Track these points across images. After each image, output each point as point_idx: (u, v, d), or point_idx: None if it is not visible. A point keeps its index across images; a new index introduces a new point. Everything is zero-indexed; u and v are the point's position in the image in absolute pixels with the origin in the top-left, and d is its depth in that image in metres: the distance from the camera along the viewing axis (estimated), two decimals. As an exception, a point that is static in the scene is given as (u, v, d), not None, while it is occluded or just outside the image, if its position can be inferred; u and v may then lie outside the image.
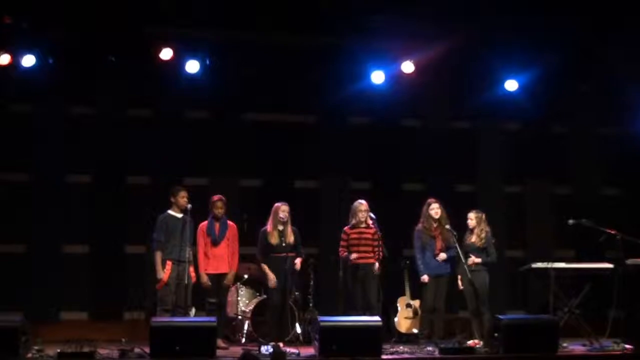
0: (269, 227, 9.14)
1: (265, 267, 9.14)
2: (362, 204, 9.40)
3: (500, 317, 8.60)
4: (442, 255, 9.48)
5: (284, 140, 11.45)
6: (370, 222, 9.37)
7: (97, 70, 10.65)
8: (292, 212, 9.27)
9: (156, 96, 11.12)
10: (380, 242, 9.35)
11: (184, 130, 11.19)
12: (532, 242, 11.92)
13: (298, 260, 9.17)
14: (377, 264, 9.30)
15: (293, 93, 11.24)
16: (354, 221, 9.39)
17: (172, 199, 9.08)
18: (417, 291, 9.86)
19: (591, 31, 10.47)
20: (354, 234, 9.38)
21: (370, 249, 9.31)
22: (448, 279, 9.53)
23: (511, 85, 11.32)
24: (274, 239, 9.07)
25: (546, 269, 9.59)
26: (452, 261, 9.52)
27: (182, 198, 9.03)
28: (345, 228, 9.44)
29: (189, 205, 8.97)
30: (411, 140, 11.77)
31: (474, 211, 9.64)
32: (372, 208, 9.53)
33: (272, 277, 9.08)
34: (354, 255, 9.23)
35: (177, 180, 10.34)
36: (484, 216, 9.57)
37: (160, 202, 9.39)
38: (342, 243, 9.42)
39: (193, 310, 9.14)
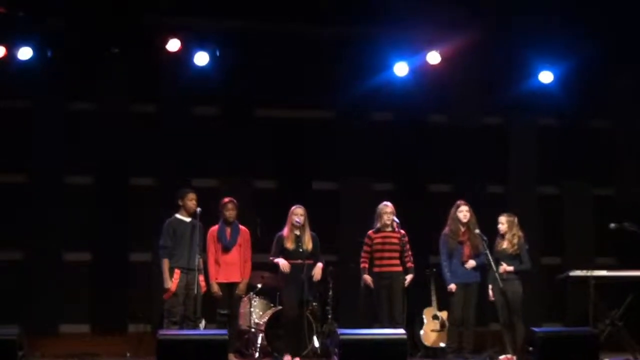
0: (285, 231, 9.16)
1: (278, 259, 9.03)
2: (387, 205, 9.39)
3: (535, 329, 8.58)
4: (471, 263, 9.44)
5: (300, 138, 11.53)
6: (396, 225, 9.36)
7: (99, 63, 10.71)
8: (309, 216, 9.26)
9: (162, 91, 11.18)
10: (408, 248, 9.36)
11: (192, 127, 11.25)
12: (570, 248, 11.91)
13: (318, 268, 9.12)
14: (409, 276, 9.27)
15: (309, 87, 11.25)
16: (378, 224, 9.38)
17: (180, 202, 9.05)
18: (445, 301, 9.84)
19: (633, 16, 10.42)
20: (378, 238, 9.36)
21: (396, 255, 9.28)
22: (477, 288, 9.50)
23: (546, 76, 11.28)
24: (289, 244, 9.09)
25: (585, 277, 9.58)
26: (482, 269, 9.49)
27: (191, 201, 9.00)
28: (370, 232, 9.43)
29: (198, 209, 8.95)
30: (437, 138, 11.79)
31: (505, 214, 9.56)
32: (395, 211, 9.50)
33: (284, 264, 9.01)
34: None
35: (185, 181, 10.38)
36: (516, 220, 9.50)
37: (167, 205, 9.39)
38: (365, 248, 9.42)
39: (203, 322, 9.16)
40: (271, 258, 9.20)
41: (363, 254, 9.43)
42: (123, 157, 11.09)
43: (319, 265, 9.18)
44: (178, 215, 9.06)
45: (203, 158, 11.27)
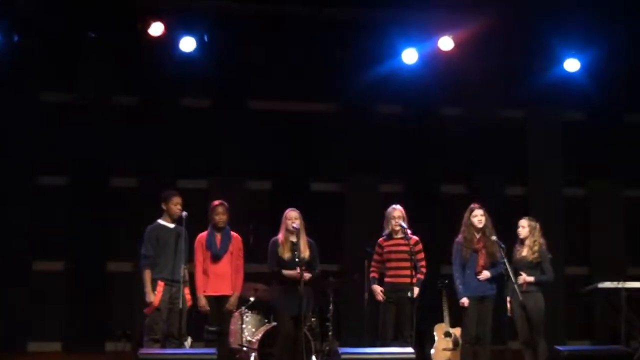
0: (280, 237, 9.14)
1: (285, 272, 8.94)
2: (395, 209, 9.35)
3: (559, 348, 8.53)
4: (486, 274, 9.33)
5: (298, 133, 11.58)
6: (408, 231, 9.29)
7: (74, 49, 10.71)
8: (308, 221, 9.22)
9: (145, 81, 11.17)
10: (418, 257, 9.26)
11: (179, 121, 11.31)
12: (598, 257, 11.92)
13: (306, 275, 8.97)
14: (416, 289, 9.19)
15: (309, 77, 11.32)
16: (387, 230, 9.37)
17: (164, 206, 8.98)
18: (458, 317, 9.71)
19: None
20: (389, 246, 9.34)
21: (408, 264, 9.18)
22: (494, 302, 9.37)
23: (572, 65, 11.29)
24: (285, 252, 9.05)
25: (616, 289, 9.58)
26: (499, 280, 9.36)
27: (176, 205, 8.94)
28: (380, 240, 9.42)
29: (184, 213, 8.88)
30: (451, 133, 11.82)
31: (526, 218, 9.51)
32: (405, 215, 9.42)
33: (292, 273, 8.93)
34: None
35: (170, 182, 10.42)
36: (538, 226, 9.46)
37: (150, 208, 9.37)
38: (375, 257, 9.42)
39: (189, 340, 9.07)
40: (272, 268, 9.10)
41: (373, 263, 9.44)
42: (101, 155, 11.09)
43: (309, 274, 9.01)
44: (161, 221, 9.00)
45: (191, 156, 11.33)
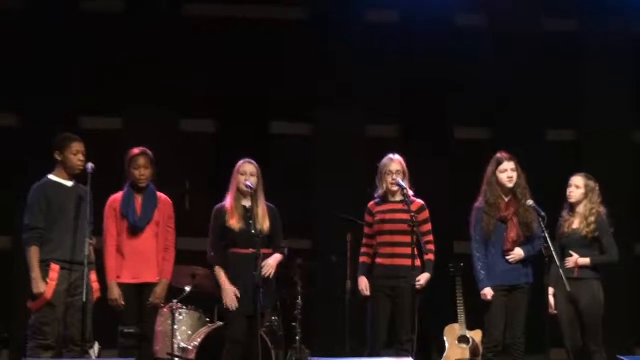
0: (228, 202, 9.15)
1: (221, 273, 9.07)
2: (392, 160, 9.33)
3: (624, 358, 8.63)
4: (518, 252, 9.32)
5: (253, 51, 11.60)
6: (410, 192, 9.24)
7: None
8: (268, 178, 9.21)
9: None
10: (422, 229, 9.19)
11: (80, 29, 11.33)
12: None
13: (272, 260, 9.09)
14: (423, 276, 9.17)
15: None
16: (380, 190, 9.34)
17: (58, 156, 8.81)
18: (478, 315, 9.65)
19: None
20: (383, 212, 9.30)
21: (408, 239, 9.06)
22: (529, 294, 9.38)
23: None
24: (235, 222, 9.06)
25: None
26: (537, 263, 9.29)
27: (76, 154, 8.77)
28: (370, 204, 9.42)
29: (89, 165, 8.75)
30: (470, 52, 11.79)
31: (580, 175, 9.53)
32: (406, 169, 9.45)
33: (230, 291, 9.00)
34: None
35: (67, 120, 10.38)
36: (597, 186, 9.49)
37: (35, 159, 9.42)
38: (365, 230, 9.43)
39: (96, 348, 9.16)
40: (210, 255, 9.18)
41: (364, 240, 9.43)
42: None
43: (275, 257, 9.11)
44: (54, 177, 8.83)
45: (98, 82, 11.31)
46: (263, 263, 8.97)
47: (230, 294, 8.97)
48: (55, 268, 8.55)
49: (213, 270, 9.15)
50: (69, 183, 8.77)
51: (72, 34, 11.31)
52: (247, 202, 9.04)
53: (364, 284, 9.24)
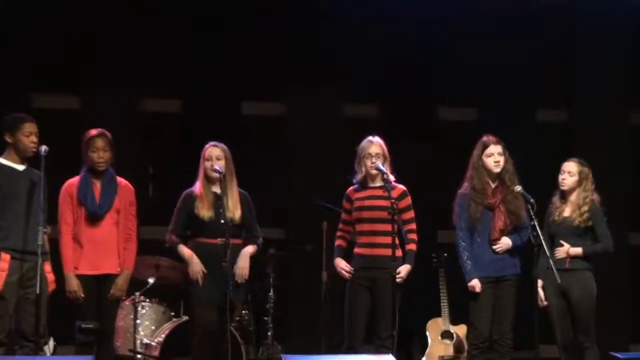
0: (196, 187, 9.19)
1: (184, 248, 9.12)
2: (372, 143, 9.32)
3: (619, 355, 8.76)
4: (505, 242, 9.34)
5: (223, 24, 11.64)
6: (391, 177, 9.24)
7: None
8: (239, 161, 9.23)
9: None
10: (404, 217, 9.23)
11: (37, 3, 11.27)
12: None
13: (247, 251, 9.14)
14: (403, 268, 9.17)
15: None
16: (359, 175, 9.34)
17: (9, 138, 8.75)
18: (463, 309, 9.68)
19: None
20: (362, 199, 9.30)
21: (389, 228, 9.03)
22: (517, 286, 9.39)
23: None
24: (204, 210, 9.10)
25: None
26: (526, 253, 9.34)
27: (29, 136, 8.73)
28: (349, 190, 9.43)
29: (43, 148, 8.71)
30: (458, 23, 11.88)
31: (573, 161, 9.55)
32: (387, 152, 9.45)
33: (197, 263, 9.03)
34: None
35: (18, 100, 10.39)
36: (590, 172, 9.51)
37: None
38: (343, 217, 9.46)
39: (51, 344, 9.19)
40: (170, 239, 9.19)
41: (340, 226, 9.48)
42: None
43: (248, 249, 9.13)
44: (4, 160, 8.79)
45: (54, 58, 11.25)
46: (235, 268, 9.01)
47: (197, 265, 8.97)
48: (5, 258, 8.53)
49: (176, 249, 9.13)
50: (21, 167, 8.72)
51: (28, 7, 11.20)
52: (217, 189, 9.11)
53: (342, 263, 9.22)
